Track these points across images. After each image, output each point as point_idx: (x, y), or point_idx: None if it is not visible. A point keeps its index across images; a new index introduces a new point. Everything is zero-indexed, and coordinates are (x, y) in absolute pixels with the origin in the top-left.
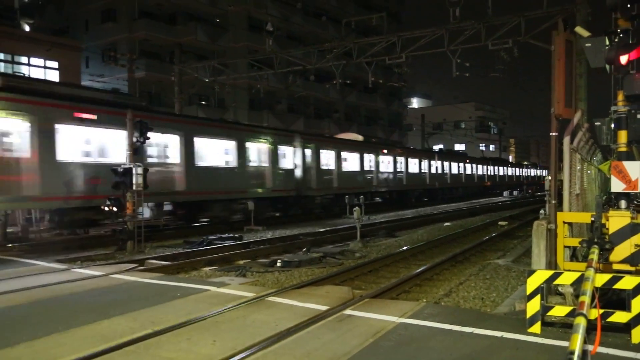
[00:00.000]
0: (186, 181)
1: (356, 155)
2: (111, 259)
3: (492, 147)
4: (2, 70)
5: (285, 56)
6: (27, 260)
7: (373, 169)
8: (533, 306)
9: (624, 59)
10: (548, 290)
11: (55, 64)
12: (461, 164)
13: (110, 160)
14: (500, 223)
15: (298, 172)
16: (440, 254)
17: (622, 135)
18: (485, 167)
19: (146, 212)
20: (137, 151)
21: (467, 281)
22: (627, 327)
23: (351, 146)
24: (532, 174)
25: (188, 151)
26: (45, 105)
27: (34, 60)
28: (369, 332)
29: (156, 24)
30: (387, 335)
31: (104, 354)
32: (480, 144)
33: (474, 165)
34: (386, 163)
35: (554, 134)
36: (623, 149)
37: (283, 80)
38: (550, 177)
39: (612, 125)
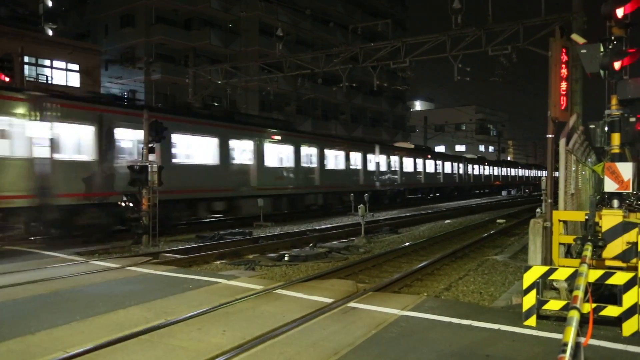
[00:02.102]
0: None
1: (412, 160)
2: (127, 252)
3: (491, 149)
4: (26, 73)
5: (295, 60)
6: (48, 252)
7: (420, 169)
8: (529, 300)
9: (617, 65)
10: (543, 285)
11: (76, 67)
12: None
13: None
14: (499, 221)
15: (375, 173)
16: (440, 250)
17: (615, 138)
18: (492, 167)
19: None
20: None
21: (466, 276)
22: (618, 321)
23: (411, 152)
24: (532, 175)
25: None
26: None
27: (56, 63)
28: (372, 323)
29: (172, 29)
30: (389, 327)
31: (120, 342)
32: (480, 145)
33: (491, 167)
34: (432, 165)
35: (550, 136)
36: (616, 150)
37: (292, 83)
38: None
39: (606, 128)
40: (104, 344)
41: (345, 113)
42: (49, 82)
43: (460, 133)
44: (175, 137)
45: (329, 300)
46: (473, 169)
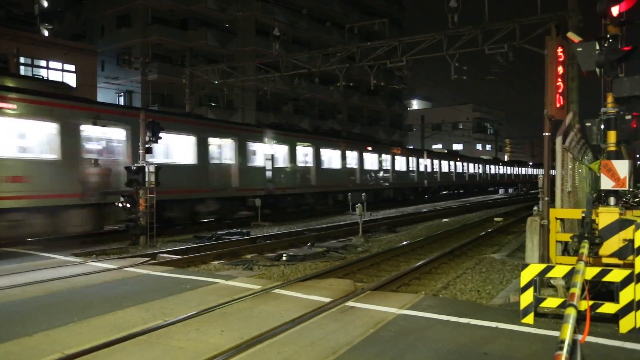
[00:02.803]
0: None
1: (431, 161)
2: (125, 253)
3: (488, 147)
4: (22, 73)
5: (292, 60)
6: (46, 254)
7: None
8: (526, 298)
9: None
10: (541, 282)
11: (72, 68)
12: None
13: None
14: (496, 219)
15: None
16: (438, 249)
17: (612, 136)
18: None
19: None
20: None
21: (464, 274)
22: (615, 318)
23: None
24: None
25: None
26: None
27: (52, 64)
28: (370, 322)
29: (169, 29)
30: (388, 326)
31: (118, 342)
32: (477, 144)
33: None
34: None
35: (547, 134)
36: (612, 148)
37: (289, 82)
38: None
39: (602, 126)
40: (101, 345)
41: (342, 112)
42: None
43: (457, 132)
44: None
45: (327, 300)
46: (469, 167)
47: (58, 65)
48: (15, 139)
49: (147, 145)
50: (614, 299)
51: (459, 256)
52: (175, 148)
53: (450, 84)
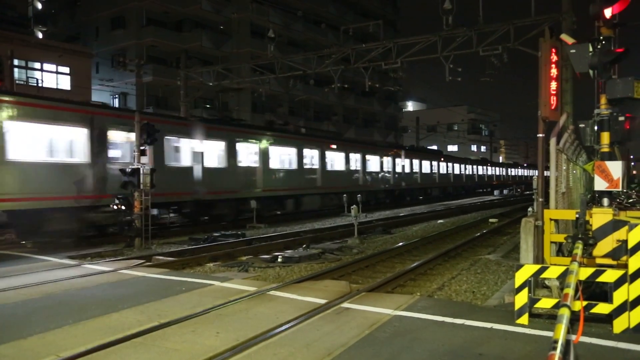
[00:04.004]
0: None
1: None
2: (120, 255)
3: (483, 149)
4: (16, 76)
5: (287, 61)
6: (40, 256)
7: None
8: (521, 299)
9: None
10: (535, 283)
11: (66, 70)
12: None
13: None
14: (491, 220)
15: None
16: (433, 250)
17: (605, 137)
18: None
19: None
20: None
21: (459, 275)
22: (609, 318)
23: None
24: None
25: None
26: None
27: (46, 66)
28: (365, 324)
29: (163, 31)
30: (383, 327)
31: (113, 345)
32: (472, 145)
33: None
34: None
35: (541, 135)
36: (606, 149)
37: (284, 84)
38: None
39: (596, 127)
40: (97, 347)
41: (337, 114)
42: (39, 85)
43: (452, 133)
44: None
45: (323, 301)
46: (467, 169)
47: (52, 67)
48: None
49: (141, 148)
50: (607, 299)
51: (454, 257)
52: None
53: (445, 85)
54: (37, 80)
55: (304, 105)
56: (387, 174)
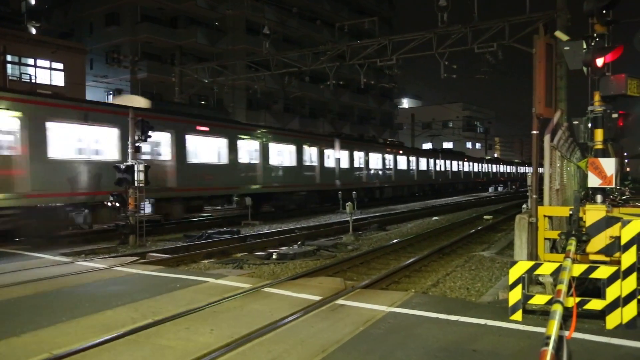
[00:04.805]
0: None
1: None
2: (114, 252)
3: (478, 146)
4: (9, 72)
5: (282, 58)
6: (34, 253)
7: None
8: (515, 295)
9: (600, 62)
10: (529, 280)
11: (60, 66)
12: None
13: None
14: (486, 217)
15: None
16: (428, 247)
17: (599, 134)
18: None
19: None
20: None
21: (453, 272)
22: (602, 314)
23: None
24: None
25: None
26: None
27: (40, 62)
28: (359, 320)
29: (158, 27)
30: (377, 324)
31: (107, 342)
32: (467, 142)
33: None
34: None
35: (535, 132)
36: (599, 146)
37: (279, 81)
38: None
39: (589, 124)
40: (90, 345)
41: (332, 111)
42: (33, 81)
43: (447, 130)
44: None
45: (317, 298)
46: (463, 165)
47: (46, 63)
48: None
49: (136, 144)
50: (600, 295)
51: (449, 254)
52: None
53: (440, 82)
54: (30, 76)
55: (299, 102)
56: (356, 172)
